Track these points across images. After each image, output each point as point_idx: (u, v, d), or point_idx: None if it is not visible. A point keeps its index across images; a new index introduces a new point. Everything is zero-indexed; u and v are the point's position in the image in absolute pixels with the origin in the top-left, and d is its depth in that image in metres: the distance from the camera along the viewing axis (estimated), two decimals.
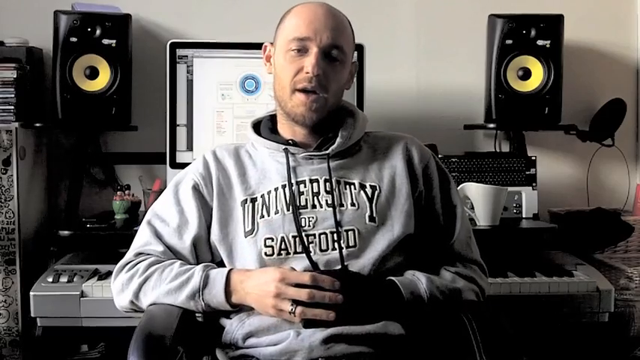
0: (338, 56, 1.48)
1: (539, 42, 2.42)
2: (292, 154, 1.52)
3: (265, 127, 1.58)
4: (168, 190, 1.56)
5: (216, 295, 1.41)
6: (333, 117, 1.54)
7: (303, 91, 1.47)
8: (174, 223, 1.51)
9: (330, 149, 1.51)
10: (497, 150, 2.66)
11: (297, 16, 1.50)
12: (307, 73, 1.45)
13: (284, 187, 1.49)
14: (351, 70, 1.56)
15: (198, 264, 1.47)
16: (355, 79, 1.67)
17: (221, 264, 1.51)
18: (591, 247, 2.43)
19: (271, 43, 1.56)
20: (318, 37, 1.46)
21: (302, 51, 1.47)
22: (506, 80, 2.43)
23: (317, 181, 1.49)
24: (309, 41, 1.46)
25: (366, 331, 1.36)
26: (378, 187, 1.50)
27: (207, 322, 1.59)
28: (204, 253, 1.52)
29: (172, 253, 1.50)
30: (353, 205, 1.48)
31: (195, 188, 1.53)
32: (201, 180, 1.53)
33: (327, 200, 1.47)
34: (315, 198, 1.48)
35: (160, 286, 1.43)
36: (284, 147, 1.52)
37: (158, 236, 1.51)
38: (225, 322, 1.47)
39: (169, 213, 1.53)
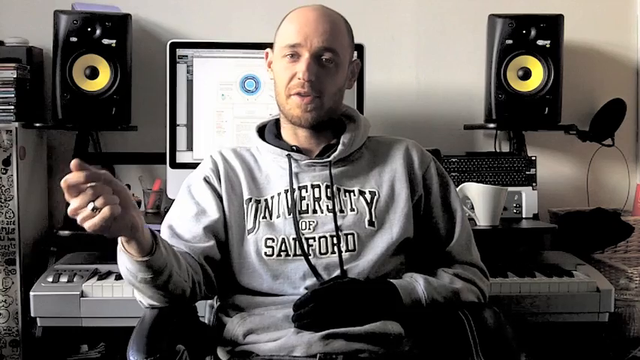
0: (330, 59, 1.48)
1: (539, 42, 2.42)
2: (295, 160, 1.53)
3: (270, 132, 1.59)
4: (182, 191, 1.56)
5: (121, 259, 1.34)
6: (334, 122, 1.56)
7: (298, 94, 1.48)
8: (192, 213, 1.49)
9: (332, 157, 1.53)
10: (497, 150, 2.66)
11: (290, 22, 1.51)
12: (299, 79, 1.47)
13: (286, 192, 1.51)
14: (351, 69, 1.57)
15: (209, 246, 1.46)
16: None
17: (226, 249, 1.49)
18: (591, 247, 2.43)
19: (271, 49, 1.57)
20: (309, 42, 1.47)
21: (295, 56, 1.48)
22: (506, 80, 2.43)
23: (318, 186, 1.51)
24: (300, 47, 1.47)
25: (365, 330, 1.37)
26: (377, 193, 1.52)
27: (210, 321, 1.60)
28: (220, 233, 1.49)
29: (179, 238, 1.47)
30: (352, 210, 1.49)
31: (207, 180, 1.53)
32: (211, 173, 1.54)
33: (327, 206, 1.49)
34: (316, 203, 1.50)
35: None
36: (287, 153, 1.53)
37: (173, 231, 1.48)
38: (226, 319, 1.48)
39: (186, 207, 1.52)
